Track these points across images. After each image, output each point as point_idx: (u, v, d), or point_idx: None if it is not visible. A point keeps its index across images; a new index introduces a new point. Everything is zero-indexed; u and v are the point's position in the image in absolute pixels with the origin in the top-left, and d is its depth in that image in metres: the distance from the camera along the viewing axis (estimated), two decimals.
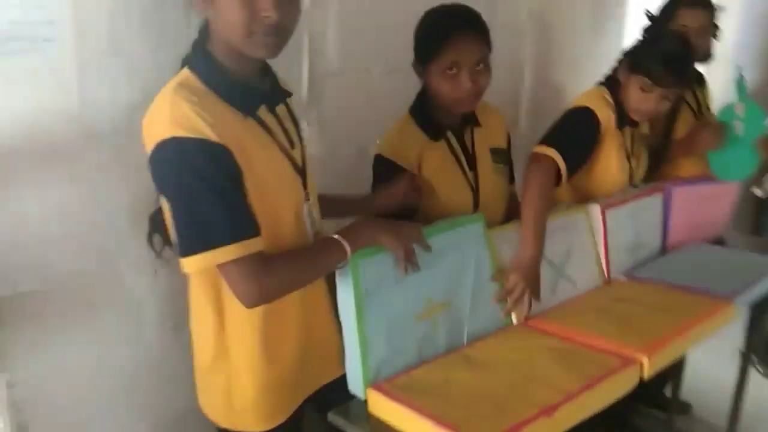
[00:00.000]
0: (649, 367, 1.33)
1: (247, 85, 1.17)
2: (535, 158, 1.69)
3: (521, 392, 1.21)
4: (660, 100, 1.80)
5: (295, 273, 1.17)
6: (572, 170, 1.73)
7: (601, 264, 1.77)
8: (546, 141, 1.73)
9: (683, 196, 2.03)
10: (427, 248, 1.33)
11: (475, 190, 1.64)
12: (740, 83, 2.08)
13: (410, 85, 1.63)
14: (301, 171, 1.25)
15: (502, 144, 1.74)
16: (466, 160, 1.64)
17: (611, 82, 1.90)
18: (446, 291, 1.41)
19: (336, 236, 1.21)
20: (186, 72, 1.14)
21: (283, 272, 1.14)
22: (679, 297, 1.64)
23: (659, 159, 2.11)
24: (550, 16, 2.55)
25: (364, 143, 1.62)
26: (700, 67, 2.27)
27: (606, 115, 1.81)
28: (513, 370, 1.30)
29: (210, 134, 1.05)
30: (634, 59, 1.81)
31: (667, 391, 2.45)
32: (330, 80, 1.92)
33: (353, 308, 1.26)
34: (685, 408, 2.62)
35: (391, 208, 1.53)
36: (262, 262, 1.11)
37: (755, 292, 1.72)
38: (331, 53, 1.91)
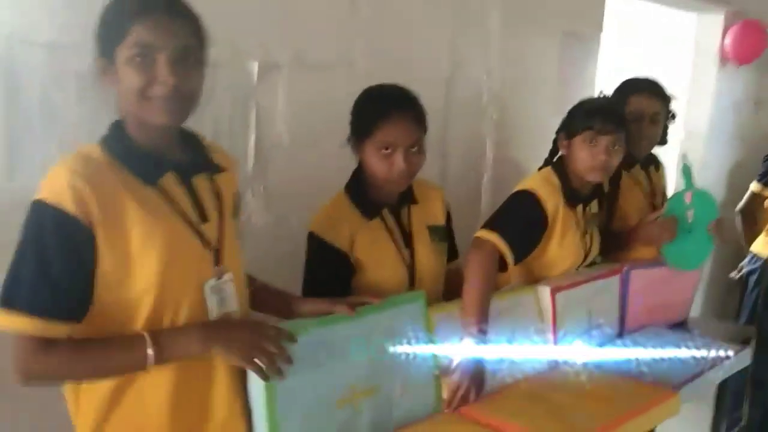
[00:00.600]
0: None
1: (151, 154, 1.15)
2: (477, 243, 1.67)
3: None
4: (609, 149, 1.75)
5: (77, 370, 1.12)
6: (520, 256, 1.71)
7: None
8: (488, 226, 1.70)
9: (641, 279, 1.98)
10: (287, 358, 1.17)
11: (411, 268, 1.60)
12: (686, 171, 2.06)
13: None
14: (213, 247, 1.20)
15: (440, 221, 1.70)
16: (403, 238, 1.61)
17: (555, 161, 1.89)
18: (374, 375, 1.35)
19: (151, 339, 1.10)
20: (94, 143, 1.15)
21: (61, 367, 1.10)
22: (622, 386, 1.58)
23: (608, 239, 2.06)
24: (512, 99, 2.58)
25: (311, 216, 1.61)
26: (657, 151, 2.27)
27: (553, 200, 1.77)
28: None
29: (71, 206, 1.05)
30: (569, 126, 1.83)
31: None
32: (278, 152, 1.91)
33: (263, 392, 1.18)
34: None
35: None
36: (44, 349, 1.07)
37: (701, 384, 1.65)
38: (280, 126, 1.91)
